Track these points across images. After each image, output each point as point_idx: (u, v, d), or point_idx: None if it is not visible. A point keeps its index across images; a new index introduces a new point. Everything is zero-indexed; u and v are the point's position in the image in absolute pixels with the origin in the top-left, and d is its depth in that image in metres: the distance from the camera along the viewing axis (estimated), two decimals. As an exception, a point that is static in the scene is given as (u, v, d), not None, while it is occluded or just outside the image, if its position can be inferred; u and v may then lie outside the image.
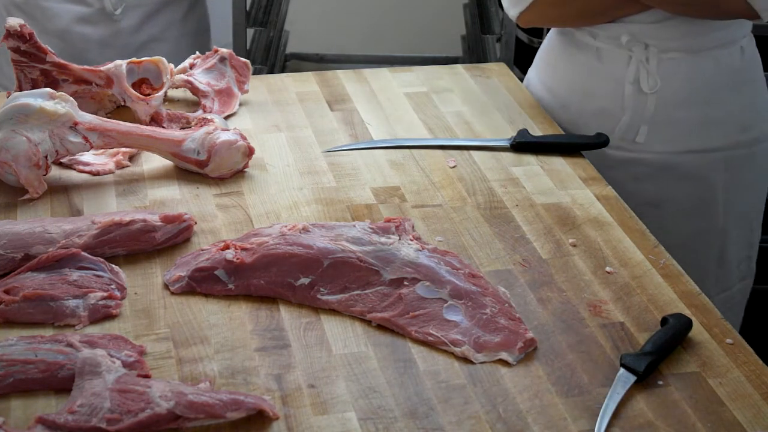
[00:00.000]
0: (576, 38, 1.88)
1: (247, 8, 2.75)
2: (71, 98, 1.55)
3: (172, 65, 1.78)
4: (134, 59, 1.75)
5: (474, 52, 2.98)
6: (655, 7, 1.75)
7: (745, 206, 1.91)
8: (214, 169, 1.59)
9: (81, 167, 1.61)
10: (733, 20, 1.78)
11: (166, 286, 1.35)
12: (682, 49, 1.79)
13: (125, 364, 1.18)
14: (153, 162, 1.64)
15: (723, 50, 1.81)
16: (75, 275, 1.33)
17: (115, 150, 1.63)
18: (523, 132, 1.73)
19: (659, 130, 1.83)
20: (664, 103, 1.81)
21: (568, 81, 1.91)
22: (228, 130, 1.61)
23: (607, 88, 1.84)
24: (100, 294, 1.30)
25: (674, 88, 1.81)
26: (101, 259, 1.36)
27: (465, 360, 1.25)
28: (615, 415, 1.16)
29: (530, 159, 1.70)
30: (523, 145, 1.72)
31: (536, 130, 1.78)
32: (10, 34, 1.66)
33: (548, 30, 2.05)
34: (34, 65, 1.69)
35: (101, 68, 1.73)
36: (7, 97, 1.58)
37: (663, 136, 1.83)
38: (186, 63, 1.84)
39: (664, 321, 1.29)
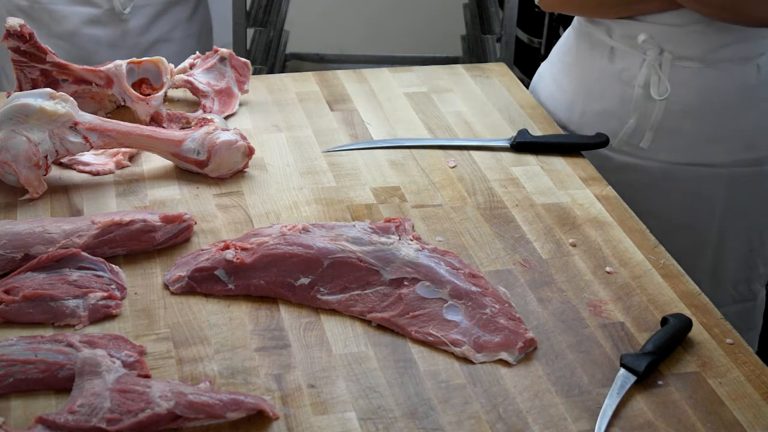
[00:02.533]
0: (592, 35, 1.85)
1: (247, 8, 2.75)
2: (71, 98, 1.54)
3: (172, 65, 1.78)
4: (134, 59, 1.75)
5: (474, 52, 2.98)
6: (683, 4, 1.69)
7: (744, 226, 1.87)
8: (214, 169, 1.59)
9: (81, 167, 1.61)
10: (753, 36, 1.73)
11: (166, 286, 1.35)
12: (697, 58, 1.75)
13: (125, 364, 1.18)
14: (153, 162, 1.64)
15: (739, 65, 1.76)
16: (75, 275, 1.33)
17: (115, 150, 1.63)
18: (523, 132, 1.73)
19: (664, 139, 1.80)
20: (672, 111, 1.78)
21: (578, 79, 1.88)
22: (228, 130, 1.60)
23: (616, 90, 1.82)
24: (100, 294, 1.30)
25: (684, 98, 1.77)
26: (101, 259, 1.36)
27: (465, 360, 1.25)
28: (615, 415, 1.16)
29: (530, 159, 1.70)
30: (523, 145, 1.72)
31: (536, 130, 1.78)
32: (10, 34, 1.66)
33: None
34: (34, 65, 1.69)
35: (101, 68, 1.72)
36: (7, 97, 1.58)
37: (667, 144, 1.80)
38: (186, 63, 1.84)
39: (664, 321, 1.29)
